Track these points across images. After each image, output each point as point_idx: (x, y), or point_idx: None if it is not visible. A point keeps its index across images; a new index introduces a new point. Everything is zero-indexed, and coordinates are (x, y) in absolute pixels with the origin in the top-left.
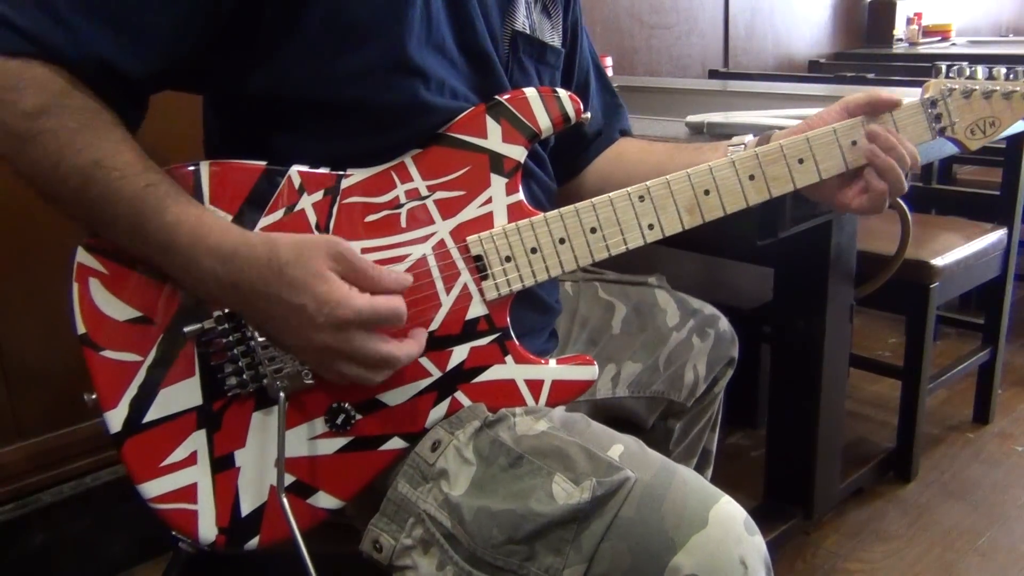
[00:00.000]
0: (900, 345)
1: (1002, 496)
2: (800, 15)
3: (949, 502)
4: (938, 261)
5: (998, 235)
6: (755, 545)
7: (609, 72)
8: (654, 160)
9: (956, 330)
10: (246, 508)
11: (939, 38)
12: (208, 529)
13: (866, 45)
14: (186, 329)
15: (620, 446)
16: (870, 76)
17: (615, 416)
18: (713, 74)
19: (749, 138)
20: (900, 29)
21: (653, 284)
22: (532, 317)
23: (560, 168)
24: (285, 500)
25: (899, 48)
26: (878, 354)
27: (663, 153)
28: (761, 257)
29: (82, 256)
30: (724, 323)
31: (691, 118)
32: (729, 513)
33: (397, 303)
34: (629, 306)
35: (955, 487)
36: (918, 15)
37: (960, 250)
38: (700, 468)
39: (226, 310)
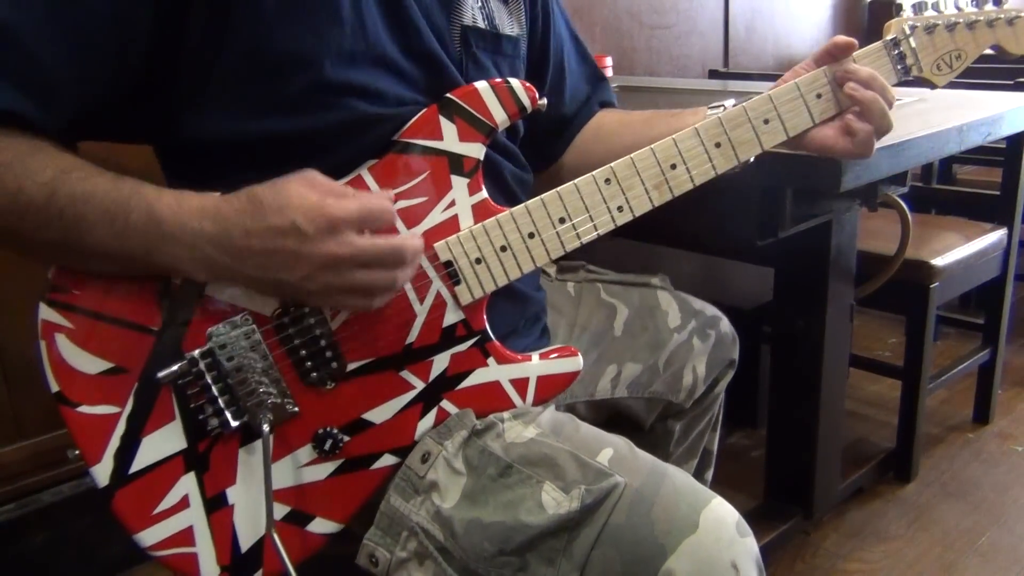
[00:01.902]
0: (900, 345)
1: (1002, 496)
2: (800, 15)
3: (949, 502)
4: (938, 261)
5: (998, 235)
6: (747, 547)
7: (608, 72)
8: (631, 132)
9: (956, 330)
10: (245, 544)
11: None
12: (210, 569)
13: (866, 45)
14: (160, 374)
15: (610, 450)
16: None
17: (614, 413)
18: (713, 74)
19: (731, 101)
20: None
21: (656, 285)
22: (511, 312)
23: (542, 152)
24: (276, 536)
25: None
26: (878, 354)
27: (640, 123)
28: (761, 257)
29: (45, 312)
30: (725, 324)
31: None
32: (720, 516)
33: (384, 201)
34: (631, 308)
35: (955, 487)
36: None
37: (960, 250)
38: (701, 469)
39: (198, 350)
